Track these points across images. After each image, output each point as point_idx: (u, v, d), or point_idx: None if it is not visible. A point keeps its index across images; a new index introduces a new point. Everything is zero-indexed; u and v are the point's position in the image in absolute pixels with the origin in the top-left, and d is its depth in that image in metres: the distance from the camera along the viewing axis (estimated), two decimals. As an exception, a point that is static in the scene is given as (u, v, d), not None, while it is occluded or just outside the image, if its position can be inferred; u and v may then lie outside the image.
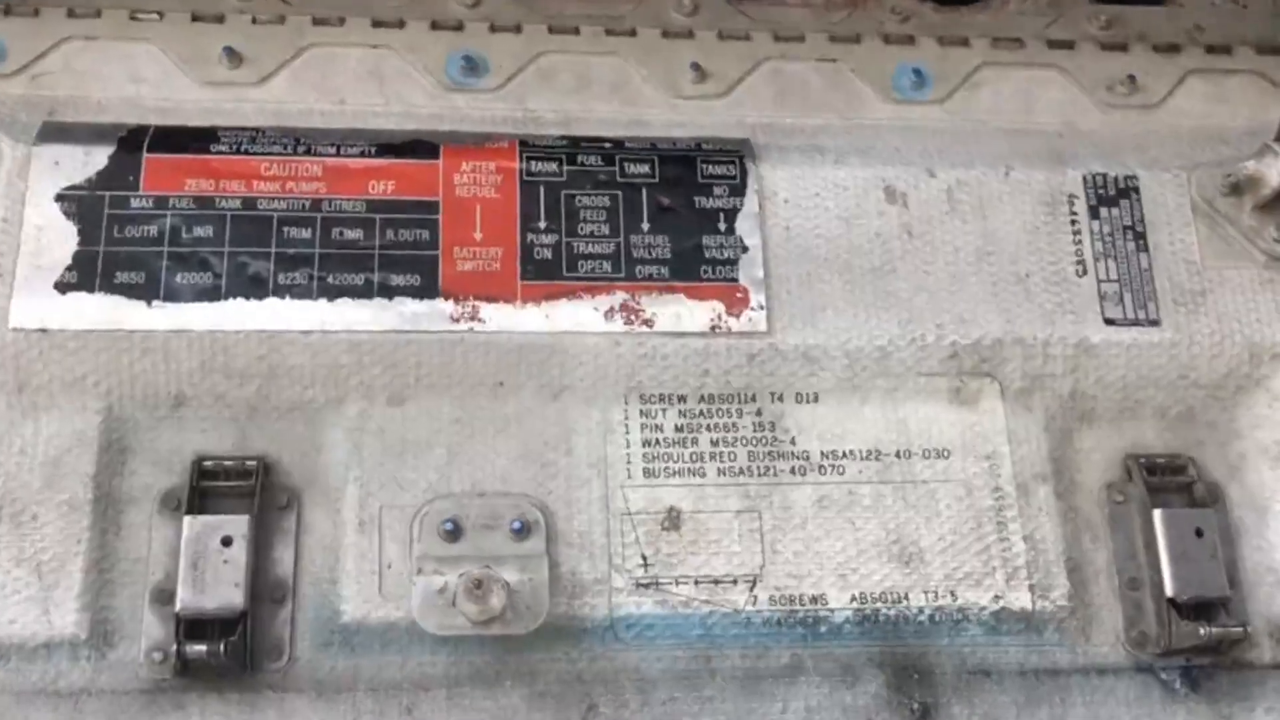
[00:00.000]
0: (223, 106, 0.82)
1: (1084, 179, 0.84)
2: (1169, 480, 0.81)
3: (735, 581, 0.75)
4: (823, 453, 0.78)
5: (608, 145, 0.83)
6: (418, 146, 0.81)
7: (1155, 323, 0.82)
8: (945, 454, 0.79)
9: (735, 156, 0.83)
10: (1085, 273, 0.82)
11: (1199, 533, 0.78)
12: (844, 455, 0.79)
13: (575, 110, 0.85)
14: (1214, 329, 0.82)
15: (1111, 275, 0.82)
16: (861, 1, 0.93)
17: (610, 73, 0.86)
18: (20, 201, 0.77)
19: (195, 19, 0.84)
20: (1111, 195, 0.84)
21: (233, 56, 0.83)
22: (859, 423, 0.79)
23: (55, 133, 0.79)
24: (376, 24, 0.85)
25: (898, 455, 0.79)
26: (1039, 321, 0.81)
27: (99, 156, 0.78)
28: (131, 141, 0.79)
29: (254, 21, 0.84)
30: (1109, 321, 0.81)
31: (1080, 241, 0.83)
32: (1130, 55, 0.90)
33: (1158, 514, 0.78)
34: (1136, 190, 0.85)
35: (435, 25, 0.86)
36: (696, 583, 0.75)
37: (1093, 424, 0.82)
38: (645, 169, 0.82)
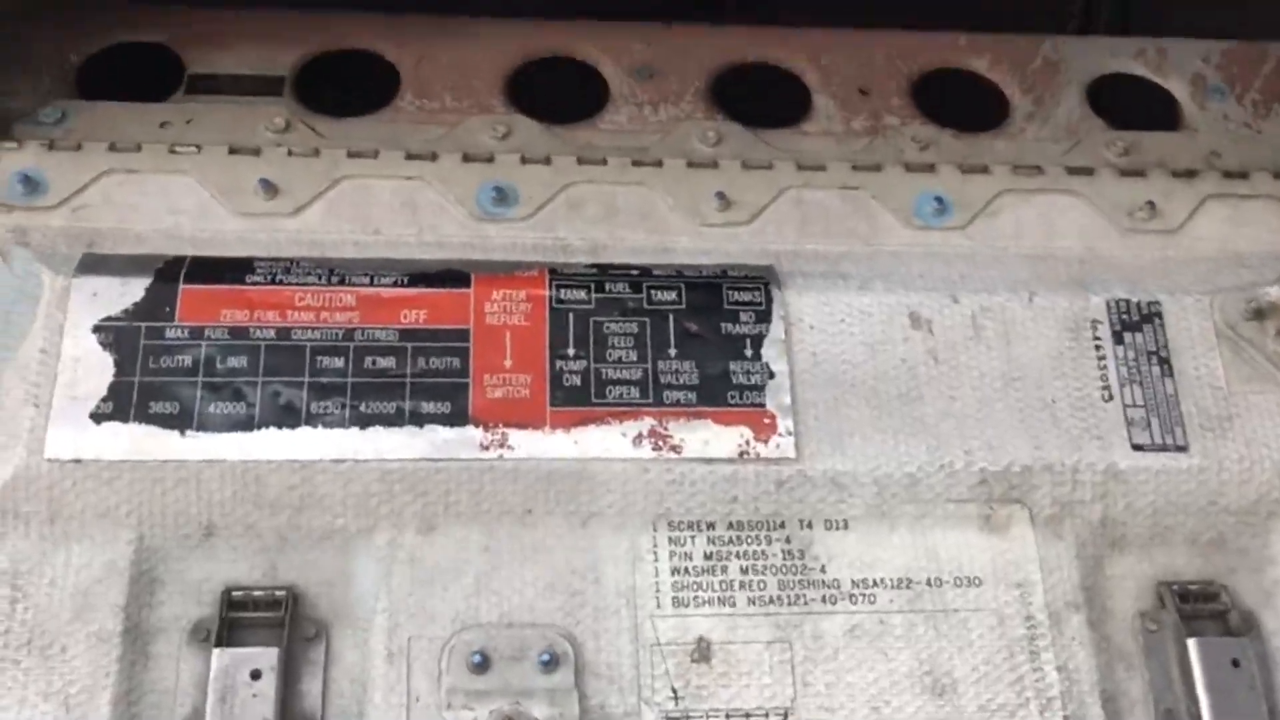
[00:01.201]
0: (258, 237, 0.84)
1: (1107, 305, 0.85)
2: (1202, 608, 0.80)
3: (767, 715, 0.74)
4: (853, 581, 0.78)
5: (635, 273, 0.84)
6: (449, 276, 0.82)
7: (1183, 448, 0.82)
8: (976, 582, 0.79)
9: (760, 283, 0.84)
10: (1111, 398, 0.82)
11: (1235, 663, 0.77)
12: (875, 584, 0.78)
13: (603, 238, 0.86)
14: (1242, 454, 0.82)
15: (1138, 400, 0.83)
16: (881, 130, 0.95)
17: (637, 202, 0.88)
18: (58, 333, 0.78)
19: (232, 152, 0.86)
20: (1135, 321, 0.85)
21: (268, 188, 0.85)
22: (889, 550, 0.79)
23: (94, 265, 0.80)
24: (410, 157, 0.87)
25: (929, 583, 0.78)
26: (1067, 448, 0.81)
27: (136, 288, 0.80)
28: (168, 273, 0.80)
29: (290, 154, 0.86)
30: (1137, 447, 0.81)
31: (1105, 367, 0.83)
32: (1149, 181, 0.91)
33: (1192, 644, 0.78)
34: (1160, 315, 0.85)
35: (467, 157, 0.88)
36: (728, 716, 0.74)
37: (1124, 551, 0.81)
38: (672, 296, 0.83)
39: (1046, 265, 0.87)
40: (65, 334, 0.78)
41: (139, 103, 0.89)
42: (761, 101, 0.96)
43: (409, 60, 0.95)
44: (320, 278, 0.81)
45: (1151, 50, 1.02)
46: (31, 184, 0.83)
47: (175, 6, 0.94)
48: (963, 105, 0.98)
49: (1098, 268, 0.87)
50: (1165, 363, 0.84)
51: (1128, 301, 0.86)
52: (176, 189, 0.85)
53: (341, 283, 0.81)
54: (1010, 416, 0.81)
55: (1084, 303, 0.85)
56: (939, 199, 0.89)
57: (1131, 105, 1.00)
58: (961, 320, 0.84)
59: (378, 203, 0.86)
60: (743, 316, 0.83)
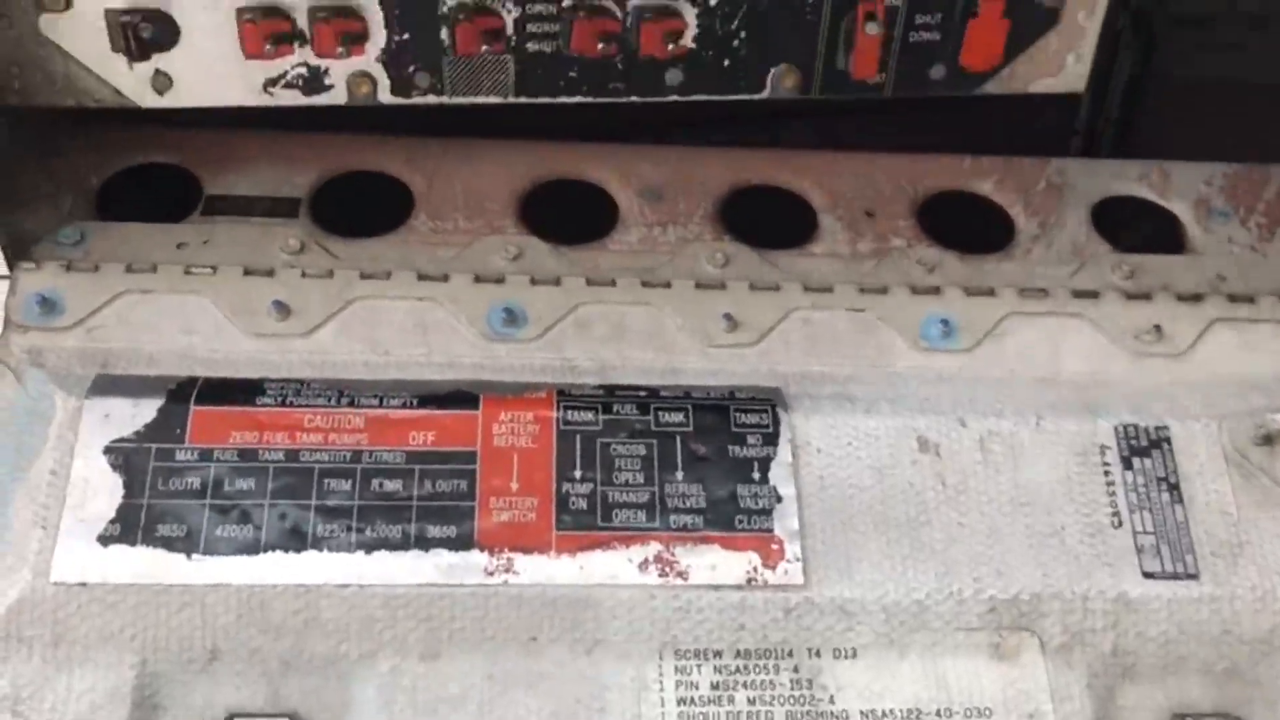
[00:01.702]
0: (270, 358, 0.84)
1: (1115, 430, 0.85)
2: (1219, 740, 0.79)
3: None
4: (862, 712, 0.77)
5: (643, 394, 0.84)
6: (458, 397, 0.83)
7: (1194, 576, 0.81)
8: (987, 713, 0.78)
9: (768, 405, 0.84)
10: (1121, 525, 0.82)
11: (1254, 800, 0.76)
12: (884, 715, 0.77)
13: (611, 358, 0.87)
14: (1255, 582, 0.81)
15: (1147, 527, 0.82)
16: (887, 252, 0.96)
17: (646, 322, 0.88)
18: (69, 454, 0.78)
19: (247, 273, 0.87)
20: (1143, 446, 0.85)
21: (281, 309, 0.86)
22: (898, 679, 0.78)
23: (107, 386, 0.81)
24: (422, 278, 0.88)
25: (939, 714, 0.77)
26: (1077, 575, 0.80)
27: (148, 409, 0.80)
28: (180, 394, 0.81)
29: (303, 275, 0.87)
30: (1147, 575, 0.81)
31: (1114, 493, 0.83)
32: (1155, 304, 0.91)
33: (1210, 779, 0.76)
34: (1168, 440, 0.85)
35: (478, 279, 0.89)
36: None
37: (1136, 681, 0.80)
38: (679, 417, 0.84)
39: (1054, 389, 0.87)
40: (76, 455, 0.78)
41: (157, 223, 0.91)
42: (769, 223, 0.98)
43: (422, 182, 0.97)
44: (330, 399, 0.82)
45: (1155, 173, 1.03)
46: (48, 305, 0.84)
47: (194, 129, 0.96)
48: (968, 227, 0.98)
49: (1105, 392, 0.87)
50: (1175, 489, 0.84)
51: (1136, 426, 0.85)
52: (191, 310, 0.86)
53: (351, 404, 0.82)
54: (1019, 543, 0.81)
55: (1092, 427, 0.85)
56: (945, 321, 0.89)
57: (1136, 227, 1.01)
58: (969, 444, 0.84)
59: (389, 323, 0.86)
60: (750, 439, 0.83)
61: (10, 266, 0.85)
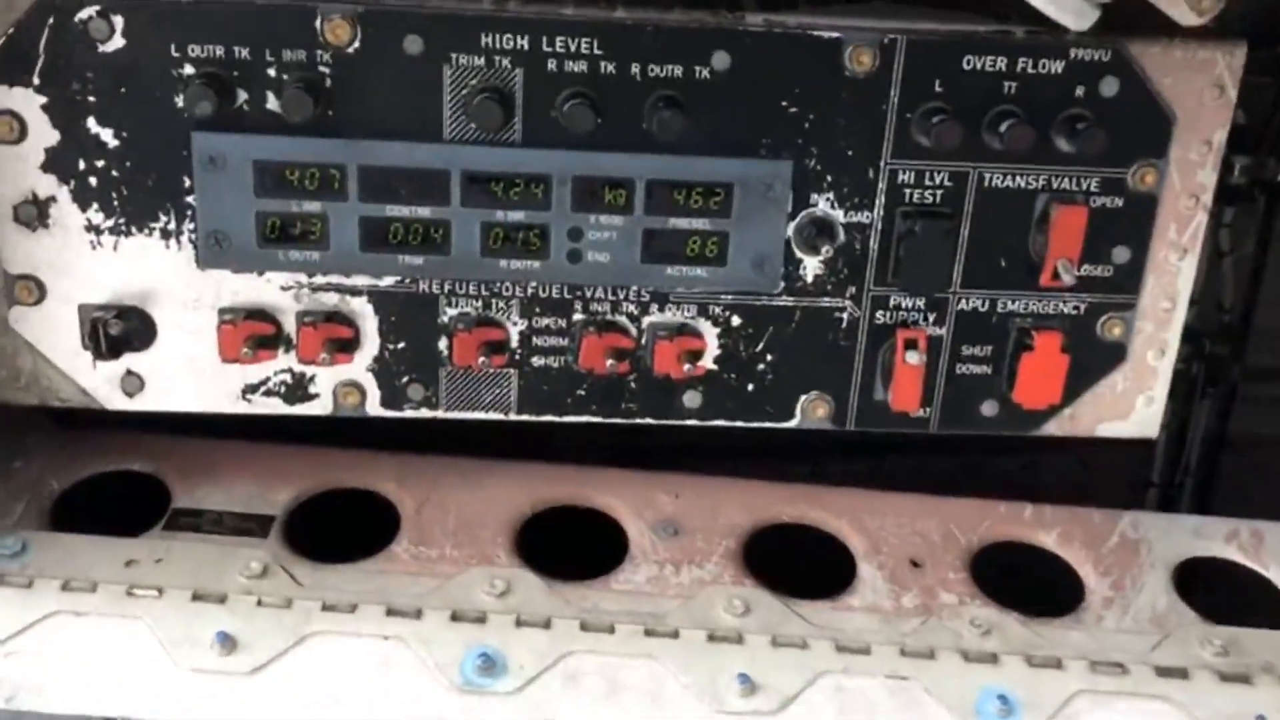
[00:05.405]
0: (203, 700, 0.73)
1: None
2: None
3: None
4: None
5: (633, 774, 0.71)
6: (410, 767, 0.70)
7: None
8: None
9: (784, 797, 0.70)
10: None
11: None
12: None
13: (601, 723, 0.74)
14: None
15: None
16: (936, 609, 0.84)
17: (645, 680, 0.76)
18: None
19: (196, 598, 0.78)
20: None
21: (226, 642, 0.75)
22: None
23: (3, 726, 0.70)
24: (391, 613, 0.78)
25: None
26: None
27: (47, 757, 0.69)
28: (89, 739, 0.70)
29: (259, 604, 0.78)
30: None
31: None
32: (1256, 689, 0.78)
33: None
34: None
35: (456, 616, 0.78)
36: None
37: None
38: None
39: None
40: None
41: (110, 537, 0.82)
42: (799, 568, 0.87)
43: (411, 504, 0.89)
44: (262, 762, 0.70)
45: (1245, 533, 0.92)
46: (-34, 625, 0.75)
47: (173, 437, 0.89)
48: (1030, 585, 0.87)
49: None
50: None
51: None
52: (124, 637, 0.76)
53: (285, 770, 0.70)
54: None
55: None
56: (1003, 697, 0.76)
57: (1228, 594, 0.89)
58: None
59: (346, 666, 0.76)
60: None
61: (-66, 579, 0.77)
